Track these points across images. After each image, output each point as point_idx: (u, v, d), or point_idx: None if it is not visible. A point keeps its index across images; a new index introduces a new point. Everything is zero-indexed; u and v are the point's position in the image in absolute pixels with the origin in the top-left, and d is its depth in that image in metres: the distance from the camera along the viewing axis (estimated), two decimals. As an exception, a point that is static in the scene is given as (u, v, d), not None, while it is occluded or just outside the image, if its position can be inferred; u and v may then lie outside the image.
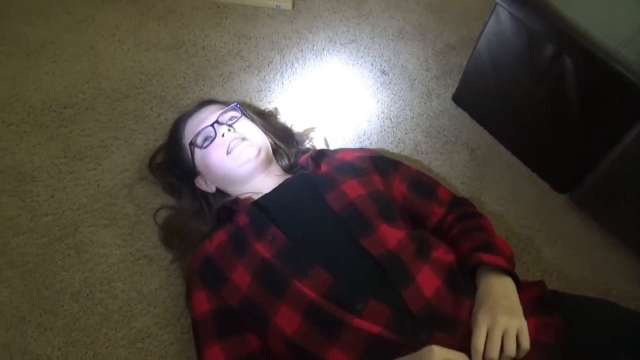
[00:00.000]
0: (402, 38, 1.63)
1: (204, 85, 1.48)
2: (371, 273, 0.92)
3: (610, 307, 0.95)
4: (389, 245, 0.95)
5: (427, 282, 0.92)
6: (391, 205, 1.06)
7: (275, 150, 1.24)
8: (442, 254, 0.98)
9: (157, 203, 1.27)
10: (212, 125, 1.13)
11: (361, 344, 0.86)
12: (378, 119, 1.46)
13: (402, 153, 1.41)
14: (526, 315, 0.89)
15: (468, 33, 1.65)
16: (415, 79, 1.54)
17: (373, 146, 1.41)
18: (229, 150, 1.11)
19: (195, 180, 1.19)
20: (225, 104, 1.24)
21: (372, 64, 1.57)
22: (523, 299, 0.92)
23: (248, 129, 1.17)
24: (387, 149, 1.41)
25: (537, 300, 0.94)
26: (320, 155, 1.18)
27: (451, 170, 1.39)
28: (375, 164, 1.15)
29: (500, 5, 1.18)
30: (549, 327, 0.88)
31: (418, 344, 0.83)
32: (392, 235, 0.97)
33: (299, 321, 0.90)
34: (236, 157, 1.11)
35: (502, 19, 1.21)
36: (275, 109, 1.42)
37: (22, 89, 1.41)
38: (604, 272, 1.26)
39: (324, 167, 1.12)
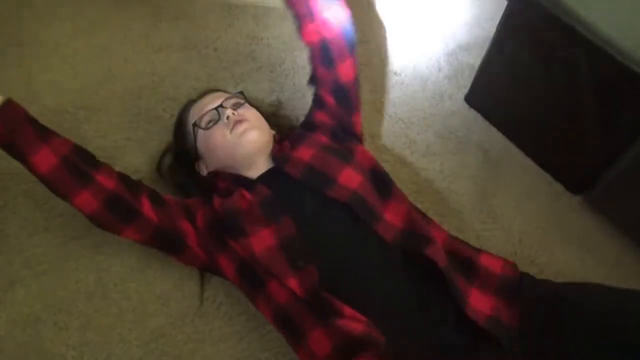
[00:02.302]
0: (414, 38, 1.63)
1: (216, 86, 1.48)
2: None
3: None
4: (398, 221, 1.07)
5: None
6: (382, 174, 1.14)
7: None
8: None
9: (170, 204, 1.27)
10: (216, 108, 1.16)
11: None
12: (390, 119, 1.46)
13: (413, 154, 1.40)
14: (491, 292, 1.01)
15: (480, 33, 1.64)
16: (427, 80, 1.54)
17: (385, 148, 1.41)
18: (232, 130, 1.13)
19: (196, 165, 1.21)
20: (230, 93, 1.26)
21: (383, 64, 1.56)
22: (495, 273, 1.04)
23: (251, 114, 1.19)
24: (399, 150, 1.41)
25: (504, 283, 1.03)
26: (295, 139, 1.20)
27: (464, 171, 1.38)
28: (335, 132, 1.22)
29: (515, 6, 1.18)
30: (507, 310, 0.99)
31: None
32: (397, 211, 1.09)
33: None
34: (238, 136, 1.12)
35: (516, 19, 1.20)
36: (278, 99, 1.45)
37: (36, 91, 1.42)
38: (619, 273, 1.25)
39: (303, 153, 1.14)
